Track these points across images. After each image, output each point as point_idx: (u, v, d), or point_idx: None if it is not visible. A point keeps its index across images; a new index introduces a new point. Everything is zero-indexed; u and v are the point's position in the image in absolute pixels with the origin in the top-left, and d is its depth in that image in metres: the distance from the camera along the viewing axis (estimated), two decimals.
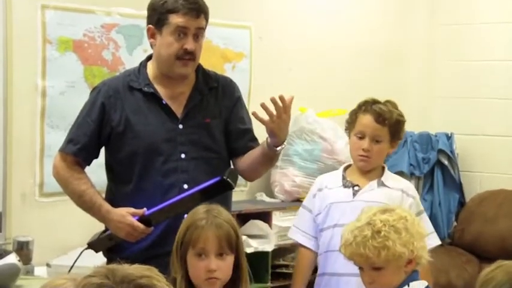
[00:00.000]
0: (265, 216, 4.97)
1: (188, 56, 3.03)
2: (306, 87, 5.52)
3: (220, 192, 3.01)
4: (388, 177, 3.39)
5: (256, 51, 5.25)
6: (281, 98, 2.97)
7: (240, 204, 4.81)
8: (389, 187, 3.33)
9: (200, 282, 2.50)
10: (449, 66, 6.19)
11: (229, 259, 2.52)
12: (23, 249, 3.86)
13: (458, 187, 5.98)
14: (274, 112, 2.96)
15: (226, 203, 3.08)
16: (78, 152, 3.09)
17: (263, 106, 2.97)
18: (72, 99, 4.20)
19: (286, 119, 3.00)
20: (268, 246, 4.84)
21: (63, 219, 4.24)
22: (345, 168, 3.43)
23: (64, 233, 4.18)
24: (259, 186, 5.22)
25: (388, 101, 3.37)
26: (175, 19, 3.00)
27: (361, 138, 3.32)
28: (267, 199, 5.24)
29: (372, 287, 2.64)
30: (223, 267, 2.50)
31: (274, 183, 5.27)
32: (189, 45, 3.01)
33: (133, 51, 4.58)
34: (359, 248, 2.60)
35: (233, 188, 3.04)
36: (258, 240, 4.81)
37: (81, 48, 4.40)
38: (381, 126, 3.30)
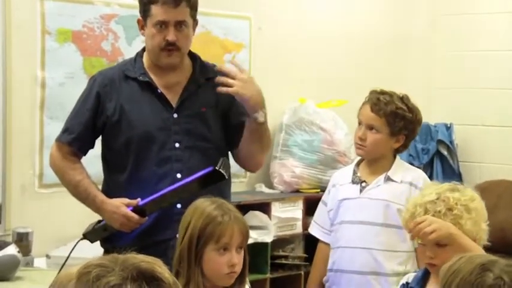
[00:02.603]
0: (264, 207, 4.97)
1: (171, 47, 3.03)
2: (306, 77, 5.52)
3: (213, 183, 3.02)
4: (397, 170, 3.36)
5: (256, 41, 5.25)
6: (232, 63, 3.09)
7: (239, 195, 4.81)
8: (396, 182, 3.32)
9: (220, 278, 2.50)
10: (449, 56, 6.19)
11: (243, 252, 2.54)
12: (23, 240, 3.85)
13: (458, 177, 5.98)
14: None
15: (225, 193, 3.10)
16: (72, 141, 3.10)
17: (218, 80, 3.00)
18: (71, 90, 4.19)
19: (245, 78, 3.02)
20: (268, 237, 4.85)
21: (63, 210, 4.24)
22: (358, 163, 3.43)
23: (64, 224, 4.18)
24: (259, 177, 5.22)
25: (400, 95, 3.35)
26: (155, 11, 3.01)
27: (360, 125, 3.37)
28: (266, 190, 5.24)
29: (431, 262, 2.60)
30: (240, 260, 2.53)
31: (273, 174, 5.27)
32: (170, 36, 3.01)
33: (133, 42, 4.57)
34: None
35: (225, 179, 3.04)
36: (258, 231, 4.81)
37: (81, 39, 4.39)
38: (376, 115, 3.30)
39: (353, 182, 3.38)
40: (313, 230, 3.53)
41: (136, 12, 4.50)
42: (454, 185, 2.73)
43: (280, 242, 5.10)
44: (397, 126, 3.31)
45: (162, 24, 3.00)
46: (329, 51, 5.67)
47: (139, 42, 4.47)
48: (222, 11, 4.92)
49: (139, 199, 3.00)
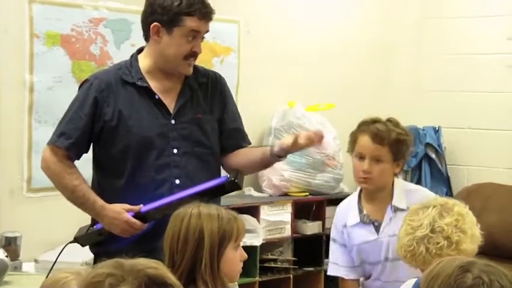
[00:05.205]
0: (253, 210, 4.98)
1: (193, 58, 3.07)
2: (294, 81, 5.53)
3: (225, 193, 3.05)
4: (400, 196, 3.28)
5: (245, 45, 5.25)
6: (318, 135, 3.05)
7: (228, 198, 4.80)
8: (403, 209, 3.19)
9: (235, 274, 2.52)
10: (437, 60, 6.20)
11: None
12: (11, 245, 3.85)
13: (446, 180, 6.01)
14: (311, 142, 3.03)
15: (218, 199, 3.12)
16: (70, 146, 3.06)
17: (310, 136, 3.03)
18: (60, 94, 4.19)
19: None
20: (257, 241, 4.85)
21: (51, 214, 4.24)
22: (359, 196, 3.34)
23: (52, 229, 4.17)
24: (248, 181, 5.22)
25: (389, 120, 3.28)
26: (190, 22, 3.01)
27: (361, 159, 3.24)
28: (255, 193, 5.24)
29: None
30: None
31: (262, 178, 5.28)
32: (199, 48, 3.07)
33: (121, 46, 4.57)
34: (435, 258, 2.52)
35: (240, 189, 3.07)
36: (246, 234, 4.79)
37: (69, 42, 4.39)
38: (380, 146, 3.21)
39: (363, 221, 3.29)
40: (337, 272, 3.38)
41: (125, 16, 4.55)
42: (437, 205, 2.69)
43: (269, 246, 5.10)
44: (400, 153, 3.25)
45: (193, 36, 3.03)
46: (318, 55, 5.68)
47: (128, 46, 4.48)
48: None
49: (141, 205, 2.99)
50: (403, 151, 3.26)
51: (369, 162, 3.22)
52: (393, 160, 3.24)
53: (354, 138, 3.29)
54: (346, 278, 3.36)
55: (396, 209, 3.24)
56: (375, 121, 3.26)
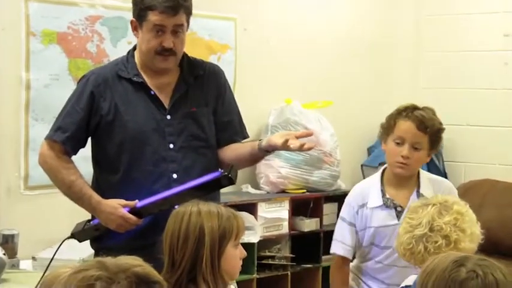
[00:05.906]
0: (250, 207, 4.98)
1: (167, 52, 3.05)
2: (291, 78, 5.53)
3: (219, 188, 3.05)
4: (426, 184, 3.29)
5: (241, 43, 5.25)
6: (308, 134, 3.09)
7: (225, 195, 4.80)
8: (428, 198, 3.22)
9: (235, 272, 2.53)
10: (435, 57, 6.21)
11: None
12: (8, 242, 3.84)
13: (443, 177, 5.98)
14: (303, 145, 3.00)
15: (217, 194, 3.13)
16: (66, 140, 3.07)
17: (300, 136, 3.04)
18: (56, 92, 4.19)
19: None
20: (254, 238, 4.85)
21: (49, 212, 4.24)
22: (382, 174, 3.32)
23: (49, 226, 4.17)
24: (245, 178, 5.22)
25: (427, 108, 3.28)
26: (152, 17, 3.00)
27: (400, 144, 3.22)
28: (253, 190, 5.24)
29: None
30: None
31: (259, 175, 5.28)
32: (167, 42, 3.02)
33: (118, 44, 4.57)
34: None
35: (234, 184, 3.07)
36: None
37: (66, 40, 4.39)
38: (422, 133, 3.20)
39: (386, 205, 3.26)
40: (340, 250, 3.35)
41: (121, 14, 4.55)
42: (437, 203, 2.69)
43: (266, 243, 5.10)
44: (436, 142, 3.24)
45: (159, 30, 3.01)
46: (315, 52, 5.68)
47: (124, 44, 4.48)
48: (207, 12, 4.92)
49: (137, 201, 3.00)
50: (439, 141, 3.26)
51: (408, 148, 3.20)
52: (429, 149, 3.23)
53: (392, 122, 3.26)
54: (347, 256, 3.35)
55: (421, 196, 3.21)
56: (416, 107, 3.25)
